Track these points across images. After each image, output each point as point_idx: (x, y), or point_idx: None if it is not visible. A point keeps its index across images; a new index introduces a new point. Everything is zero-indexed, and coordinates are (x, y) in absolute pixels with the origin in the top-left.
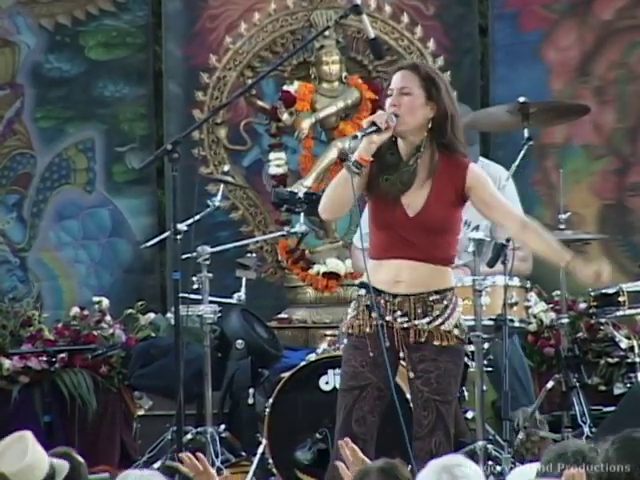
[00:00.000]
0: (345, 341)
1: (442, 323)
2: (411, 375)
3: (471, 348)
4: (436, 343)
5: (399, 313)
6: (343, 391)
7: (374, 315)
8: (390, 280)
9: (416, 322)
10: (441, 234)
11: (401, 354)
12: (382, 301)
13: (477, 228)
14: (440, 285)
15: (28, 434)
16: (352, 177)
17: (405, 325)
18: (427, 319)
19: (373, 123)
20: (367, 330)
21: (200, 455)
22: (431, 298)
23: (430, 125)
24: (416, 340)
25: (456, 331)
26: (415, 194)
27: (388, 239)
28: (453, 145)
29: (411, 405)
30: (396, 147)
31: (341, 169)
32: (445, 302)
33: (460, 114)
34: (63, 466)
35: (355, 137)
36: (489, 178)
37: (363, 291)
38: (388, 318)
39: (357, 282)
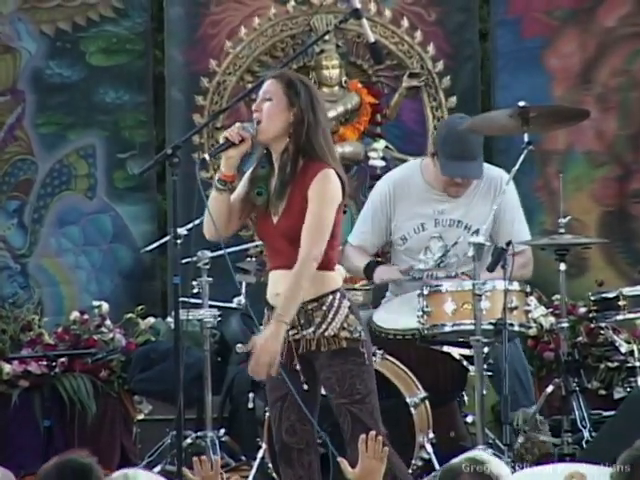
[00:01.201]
0: None
1: (326, 329)
2: (305, 387)
3: (471, 352)
4: (324, 349)
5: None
6: (269, 405)
7: None
8: (272, 293)
9: (304, 332)
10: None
11: (297, 367)
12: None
13: (477, 232)
14: (317, 291)
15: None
16: (221, 195)
17: (297, 337)
18: (312, 328)
19: (225, 138)
20: None
21: (216, 459)
22: (310, 307)
23: (291, 130)
24: (307, 350)
25: (343, 333)
26: (277, 202)
27: (267, 251)
28: (312, 151)
29: (410, 409)
30: (268, 159)
31: None
32: (324, 307)
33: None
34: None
35: (204, 160)
36: (328, 191)
37: (266, 309)
38: None
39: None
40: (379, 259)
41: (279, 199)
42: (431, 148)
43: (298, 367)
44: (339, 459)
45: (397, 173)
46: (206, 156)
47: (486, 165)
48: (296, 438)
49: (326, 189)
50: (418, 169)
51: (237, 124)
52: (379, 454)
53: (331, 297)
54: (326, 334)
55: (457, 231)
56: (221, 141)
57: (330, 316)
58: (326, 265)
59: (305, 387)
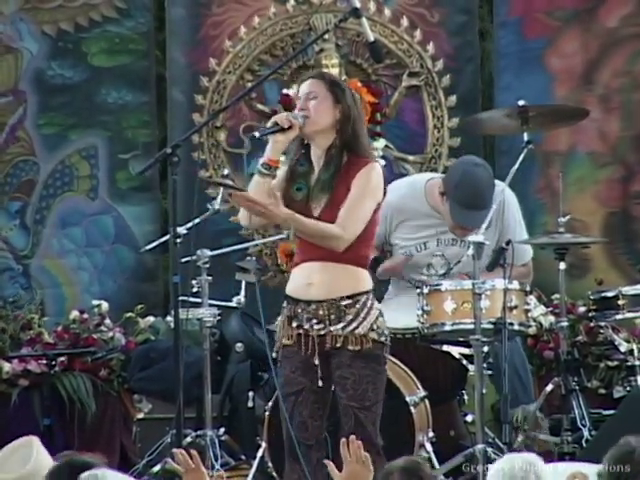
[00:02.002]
0: (274, 354)
1: (356, 327)
2: (320, 383)
3: (470, 351)
4: (351, 348)
5: (315, 321)
6: (283, 399)
7: (294, 324)
8: (301, 284)
9: (331, 328)
10: None
11: (316, 361)
12: (299, 310)
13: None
14: (353, 289)
15: (35, 440)
16: (263, 179)
17: (322, 332)
18: (341, 324)
19: (275, 123)
20: (286, 341)
21: (193, 452)
22: (343, 303)
23: (338, 127)
24: (332, 346)
25: (372, 334)
26: (321, 194)
27: (301, 243)
28: (357, 147)
29: (410, 408)
30: (306, 158)
31: None
32: (358, 306)
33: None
34: None
35: (253, 137)
36: (372, 183)
37: (285, 303)
38: (306, 327)
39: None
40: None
41: (323, 192)
42: (441, 187)
43: (317, 362)
44: (326, 462)
45: (397, 197)
46: (256, 133)
47: None
48: (307, 434)
49: (371, 181)
50: (422, 192)
51: (282, 113)
52: (361, 458)
53: (365, 297)
54: (356, 332)
55: (459, 250)
56: (269, 125)
57: (362, 315)
58: (362, 263)
59: (320, 384)
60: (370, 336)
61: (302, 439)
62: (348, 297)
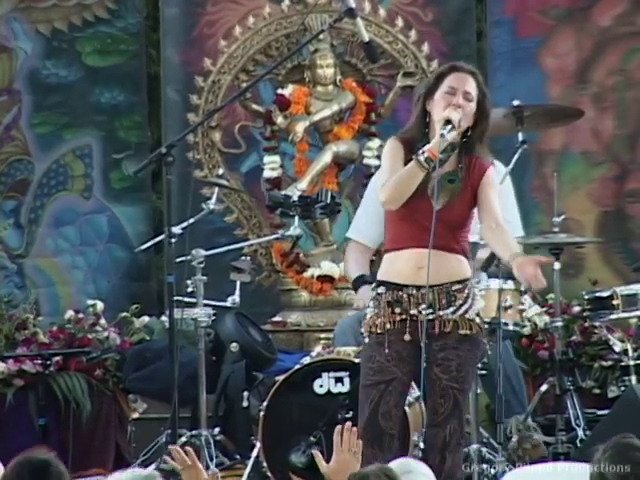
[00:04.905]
0: (367, 340)
1: (466, 311)
2: (424, 365)
3: None
4: (461, 332)
5: (424, 305)
6: (368, 387)
7: (397, 310)
8: (412, 267)
9: (441, 313)
10: (460, 228)
11: (421, 344)
12: (405, 295)
13: None
14: (461, 275)
15: None
16: (422, 173)
17: (430, 317)
18: (451, 309)
19: (448, 121)
20: (388, 326)
21: (189, 450)
22: (454, 288)
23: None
24: (441, 330)
25: (478, 319)
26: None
27: (411, 229)
28: (477, 148)
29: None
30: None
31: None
32: (467, 291)
33: None
34: None
35: (442, 135)
36: (498, 186)
37: (383, 288)
38: (413, 312)
39: (375, 282)
40: (365, 275)
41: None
42: None
43: (422, 345)
44: (314, 452)
45: None
46: (445, 133)
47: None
48: (391, 423)
49: (497, 184)
50: None
51: (450, 109)
52: (353, 447)
53: (470, 283)
54: (466, 316)
55: None
56: (437, 118)
57: (470, 300)
58: (465, 253)
59: (424, 364)
60: (477, 321)
61: (386, 428)
62: (458, 282)
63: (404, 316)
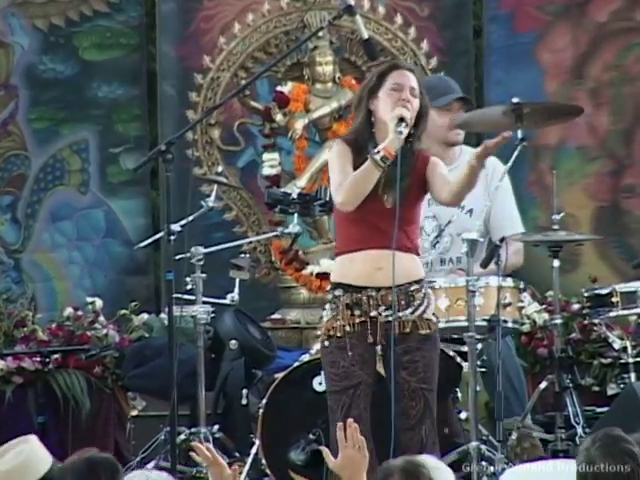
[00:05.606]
0: (326, 344)
1: (424, 311)
2: (382, 371)
3: (464, 349)
4: (422, 332)
5: (383, 307)
6: (337, 393)
7: (357, 313)
8: (369, 269)
9: (400, 314)
10: (411, 224)
11: (378, 348)
12: (364, 298)
13: (471, 212)
14: (417, 275)
15: (33, 437)
16: (378, 171)
17: (390, 318)
18: (410, 309)
19: (402, 119)
20: (348, 329)
21: (209, 446)
22: (411, 288)
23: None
24: (401, 331)
25: (434, 318)
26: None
27: (363, 230)
28: (417, 144)
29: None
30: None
31: None
32: (423, 291)
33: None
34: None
35: (400, 133)
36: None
37: (340, 291)
38: (373, 313)
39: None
40: None
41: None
42: None
43: (379, 351)
44: (322, 448)
45: None
46: (402, 130)
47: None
48: (362, 426)
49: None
50: None
51: (399, 108)
52: (358, 443)
53: (426, 283)
54: (424, 316)
55: (450, 210)
56: (389, 117)
57: (427, 300)
58: (417, 251)
59: (382, 372)
60: (433, 320)
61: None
62: (416, 282)
63: (363, 318)
